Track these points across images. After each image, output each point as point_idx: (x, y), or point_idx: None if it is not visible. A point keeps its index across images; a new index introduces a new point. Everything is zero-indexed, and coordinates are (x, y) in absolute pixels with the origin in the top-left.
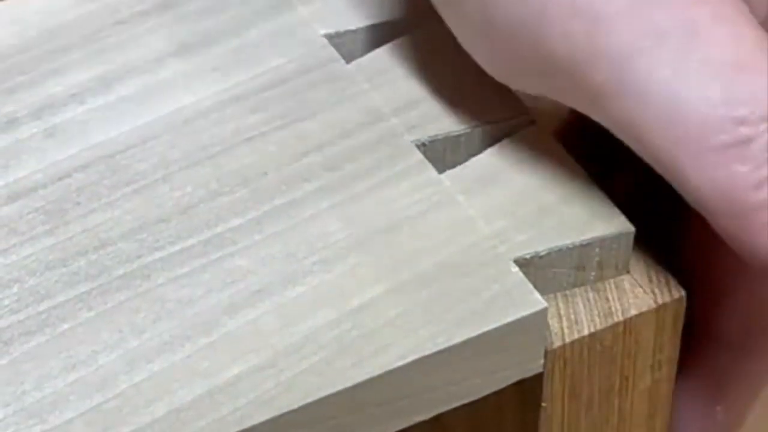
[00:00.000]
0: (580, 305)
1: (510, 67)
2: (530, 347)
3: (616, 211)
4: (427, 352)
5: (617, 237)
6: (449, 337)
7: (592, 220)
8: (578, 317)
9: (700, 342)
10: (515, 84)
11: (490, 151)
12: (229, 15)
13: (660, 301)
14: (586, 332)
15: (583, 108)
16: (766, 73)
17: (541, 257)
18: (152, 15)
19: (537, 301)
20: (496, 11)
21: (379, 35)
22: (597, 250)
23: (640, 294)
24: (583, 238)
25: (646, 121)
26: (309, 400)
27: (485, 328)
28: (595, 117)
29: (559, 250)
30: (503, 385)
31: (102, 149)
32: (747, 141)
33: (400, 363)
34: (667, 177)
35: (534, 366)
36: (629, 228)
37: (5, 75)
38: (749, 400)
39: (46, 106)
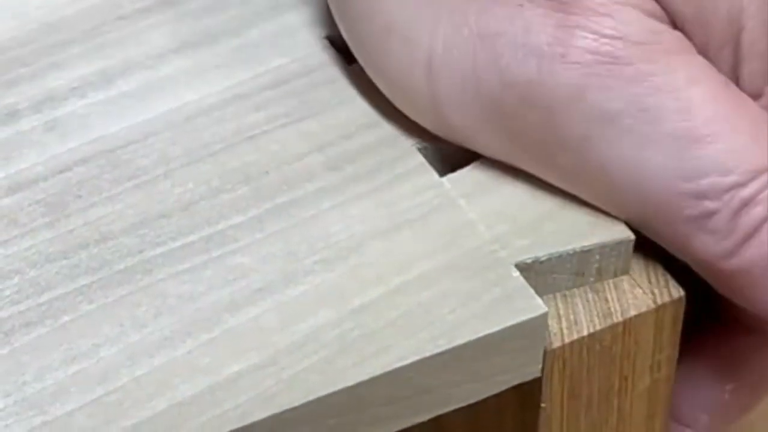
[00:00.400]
0: (580, 306)
1: (462, 142)
2: (530, 351)
3: (617, 218)
4: (427, 354)
5: (617, 244)
6: (450, 339)
7: (593, 227)
8: (577, 318)
9: (717, 322)
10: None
11: None
12: (231, 14)
13: (659, 302)
14: (585, 333)
15: (560, 186)
16: (723, 139)
17: (541, 262)
18: (154, 11)
19: (537, 306)
20: (449, 105)
21: None
22: (597, 256)
23: (640, 294)
24: (583, 244)
25: (617, 199)
26: (310, 398)
27: (486, 332)
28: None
29: (560, 256)
30: (502, 388)
31: (103, 143)
32: (710, 214)
33: (401, 364)
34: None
35: (533, 370)
36: (629, 235)
37: (6, 67)
38: (762, 383)
39: (47, 99)
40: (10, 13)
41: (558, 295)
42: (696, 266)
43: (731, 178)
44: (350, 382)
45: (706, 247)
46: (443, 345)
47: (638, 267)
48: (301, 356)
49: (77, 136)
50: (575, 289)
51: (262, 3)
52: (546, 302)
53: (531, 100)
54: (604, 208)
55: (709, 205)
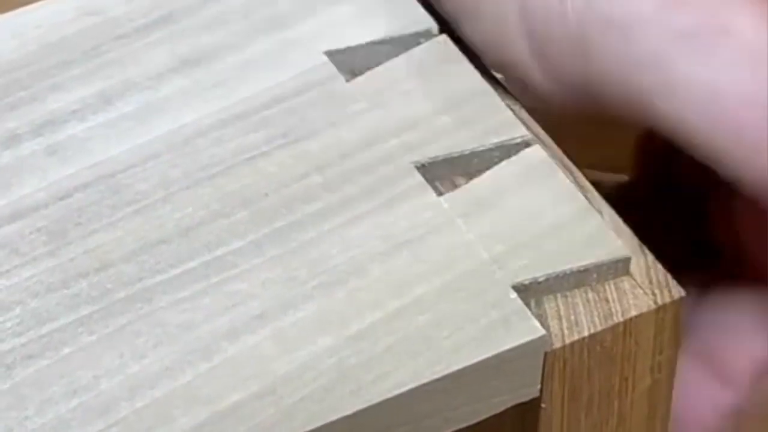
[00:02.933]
0: (580, 306)
1: (560, 87)
2: (528, 373)
3: (614, 236)
4: (425, 380)
5: (614, 262)
6: (448, 364)
7: (590, 245)
8: (578, 318)
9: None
10: (566, 102)
11: (489, 173)
12: (231, 30)
13: (660, 302)
14: (585, 333)
15: (632, 115)
16: None
17: (539, 283)
18: (153, 29)
19: (535, 329)
20: (543, 41)
21: (379, 53)
22: (594, 275)
23: (640, 295)
24: (580, 264)
25: (692, 119)
26: (309, 428)
27: (483, 356)
28: (646, 122)
29: (557, 276)
30: (500, 409)
31: (103, 168)
32: None
33: (399, 391)
34: (721, 172)
35: (531, 391)
36: (626, 254)
37: (6, 90)
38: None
39: (47, 123)
40: (9, 33)
41: (558, 295)
42: (752, 190)
43: None
44: (348, 411)
45: None
46: (441, 371)
47: (639, 267)
48: (300, 385)
49: (78, 160)
50: (576, 290)
51: (261, 18)
52: (546, 302)
53: (611, 19)
54: (673, 137)
55: None
